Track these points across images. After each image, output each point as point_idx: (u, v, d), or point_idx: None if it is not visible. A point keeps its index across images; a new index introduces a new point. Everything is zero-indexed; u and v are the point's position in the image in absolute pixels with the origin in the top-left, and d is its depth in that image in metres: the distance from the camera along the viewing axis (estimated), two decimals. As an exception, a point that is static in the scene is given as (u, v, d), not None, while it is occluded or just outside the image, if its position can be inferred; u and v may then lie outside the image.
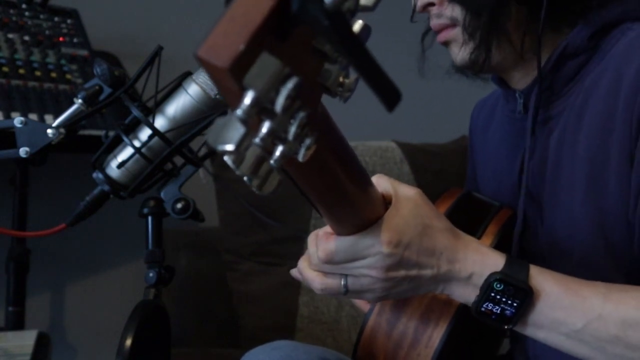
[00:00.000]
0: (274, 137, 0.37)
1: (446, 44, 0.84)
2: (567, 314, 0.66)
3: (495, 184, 0.95)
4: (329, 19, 0.35)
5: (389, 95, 0.38)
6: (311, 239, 0.70)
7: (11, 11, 1.40)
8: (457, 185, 0.99)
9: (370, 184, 0.63)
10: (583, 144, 0.77)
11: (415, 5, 0.85)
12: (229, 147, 0.35)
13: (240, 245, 1.43)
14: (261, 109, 0.35)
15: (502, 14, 0.78)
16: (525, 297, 0.67)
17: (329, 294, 0.70)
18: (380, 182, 0.68)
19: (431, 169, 1.56)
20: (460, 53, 0.82)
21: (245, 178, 0.38)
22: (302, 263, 0.72)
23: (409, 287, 0.68)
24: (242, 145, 0.35)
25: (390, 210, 0.65)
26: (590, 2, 0.79)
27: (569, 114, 0.80)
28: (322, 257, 0.66)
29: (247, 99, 0.34)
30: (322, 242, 0.66)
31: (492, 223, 0.84)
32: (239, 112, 0.34)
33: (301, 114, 0.38)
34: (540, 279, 0.68)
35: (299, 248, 1.42)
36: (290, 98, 0.36)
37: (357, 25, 0.40)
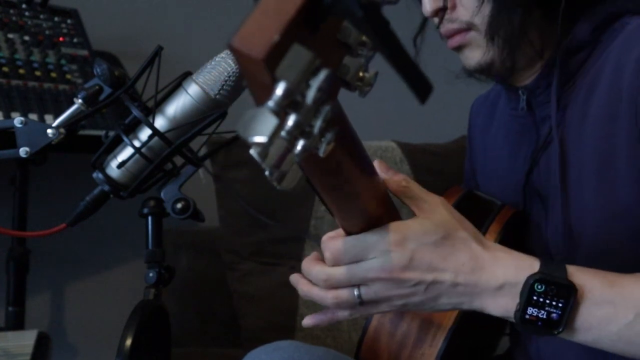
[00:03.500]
0: (299, 131, 0.37)
1: (459, 48, 0.83)
2: (615, 308, 0.64)
3: (498, 182, 0.95)
4: (363, 9, 0.34)
5: (422, 87, 0.38)
6: (306, 263, 0.68)
7: (11, 11, 1.40)
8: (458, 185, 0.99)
9: (376, 176, 0.63)
10: (589, 137, 0.77)
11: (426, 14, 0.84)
12: (261, 139, 0.34)
13: (240, 245, 1.43)
14: (291, 101, 0.35)
15: (528, 15, 0.78)
16: (570, 295, 0.63)
17: (344, 307, 0.67)
18: (413, 187, 0.66)
19: (431, 169, 1.56)
20: (483, 57, 0.81)
21: (266, 172, 0.38)
22: (305, 287, 0.69)
23: (428, 296, 0.64)
24: (274, 137, 0.35)
25: (416, 216, 0.64)
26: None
27: (572, 110, 0.80)
28: (329, 257, 0.64)
29: (280, 90, 0.34)
30: (328, 243, 0.64)
31: (495, 222, 0.84)
32: (270, 103, 0.34)
33: (327, 108, 0.37)
34: (580, 274, 0.65)
35: (299, 248, 1.42)
36: (322, 90, 0.35)
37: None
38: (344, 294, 0.65)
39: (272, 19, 0.34)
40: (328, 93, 0.37)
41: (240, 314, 1.42)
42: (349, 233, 0.64)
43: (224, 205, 1.45)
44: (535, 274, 0.64)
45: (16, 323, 1.39)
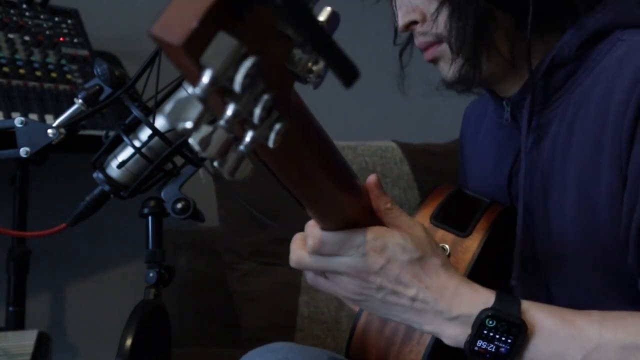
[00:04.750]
0: (241, 120, 0.38)
1: (434, 61, 0.83)
2: (565, 347, 0.65)
3: (484, 188, 0.95)
4: None
5: (346, 72, 0.38)
6: (295, 241, 0.71)
7: (11, 11, 1.40)
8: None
9: (354, 180, 0.63)
10: (573, 160, 0.77)
11: (397, 27, 0.83)
12: (188, 124, 0.35)
13: (240, 245, 1.43)
14: (221, 89, 0.36)
15: (487, 25, 0.77)
16: (519, 332, 0.65)
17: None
18: (396, 211, 0.68)
19: (431, 169, 1.56)
20: (451, 69, 0.80)
21: (215, 163, 0.38)
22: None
23: (383, 304, 0.68)
24: (200, 123, 0.35)
25: (400, 226, 0.67)
26: (577, 7, 0.77)
27: (559, 127, 0.79)
28: (310, 245, 0.66)
29: (205, 78, 0.35)
30: (314, 229, 0.66)
31: (483, 219, 0.84)
32: (197, 90, 0.35)
33: (265, 97, 0.38)
34: (533, 312, 0.67)
35: (299, 248, 1.42)
36: (249, 77, 0.36)
37: (326, 12, 0.41)
38: (307, 260, 0.69)
39: (191, 6, 0.34)
40: (265, 81, 0.38)
41: (240, 314, 1.42)
42: (322, 227, 0.65)
43: (224, 205, 1.45)
44: (487, 309, 0.66)
45: (16, 323, 1.39)
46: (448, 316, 0.67)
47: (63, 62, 1.38)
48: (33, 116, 1.22)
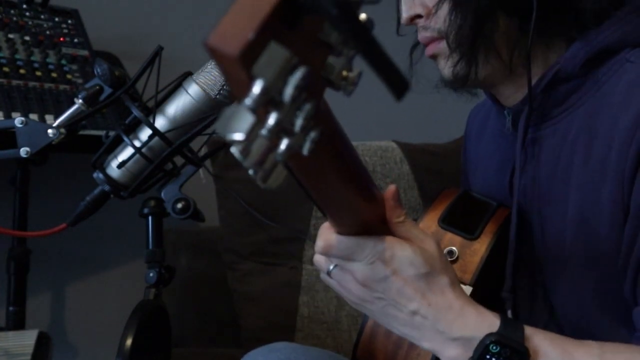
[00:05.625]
0: (280, 129, 0.37)
1: (434, 57, 0.82)
2: None
3: (487, 192, 0.95)
4: (337, 7, 0.35)
5: (398, 84, 0.38)
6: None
7: (12, 11, 1.40)
8: (457, 186, 0.99)
9: (372, 187, 0.63)
10: (575, 183, 0.76)
11: (400, 17, 0.83)
12: (239, 136, 0.35)
13: (240, 245, 1.43)
14: (269, 99, 0.35)
15: (486, 24, 0.75)
16: (521, 359, 0.65)
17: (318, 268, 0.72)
18: (408, 225, 0.67)
19: (431, 169, 1.56)
20: (447, 67, 0.80)
21: (250, 171, 0.38)
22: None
23: (382, 312, 0.67)
24: (251, 135, 0.35)
25: (412, 239, 0.66)
26: (583, 17, 0.76)
27: (562, 144, 0.78)
28: (320, 245, 0.66)
29: (257, 88, 0.34)
30: (326, 231, 0.66)
31: (491, 222, 0.84)
32: (248, 101, 0.34)
33: (307, 106, 0.38)
34: (536, 340, 0.66)
35: (299, 248, 1.42)
36: (299, 88, 0.36)
37: (361, 18, 0.40)
38: (322, 262, 0.70)
39: (247, 17, 0.35)
40: (307, 91, 0.37)
41: (240, 314, 1.42)
42: (338, 232, 0.65)
43: (224, 205, 1.45)
44: (492, 334, 0.65)
45: (17, 323, 1.39)
46: (449, 336, 0.66)
47: (63, 62, 1.38)
48: (33, 116, 1.22)
